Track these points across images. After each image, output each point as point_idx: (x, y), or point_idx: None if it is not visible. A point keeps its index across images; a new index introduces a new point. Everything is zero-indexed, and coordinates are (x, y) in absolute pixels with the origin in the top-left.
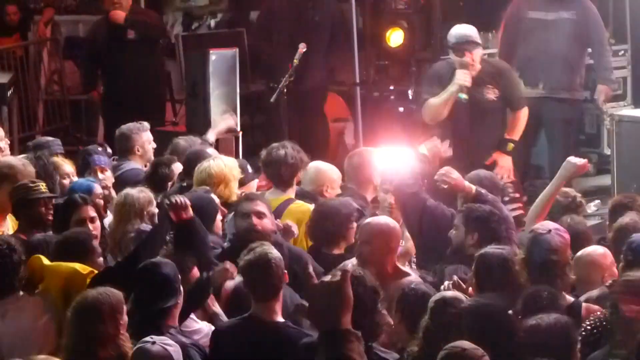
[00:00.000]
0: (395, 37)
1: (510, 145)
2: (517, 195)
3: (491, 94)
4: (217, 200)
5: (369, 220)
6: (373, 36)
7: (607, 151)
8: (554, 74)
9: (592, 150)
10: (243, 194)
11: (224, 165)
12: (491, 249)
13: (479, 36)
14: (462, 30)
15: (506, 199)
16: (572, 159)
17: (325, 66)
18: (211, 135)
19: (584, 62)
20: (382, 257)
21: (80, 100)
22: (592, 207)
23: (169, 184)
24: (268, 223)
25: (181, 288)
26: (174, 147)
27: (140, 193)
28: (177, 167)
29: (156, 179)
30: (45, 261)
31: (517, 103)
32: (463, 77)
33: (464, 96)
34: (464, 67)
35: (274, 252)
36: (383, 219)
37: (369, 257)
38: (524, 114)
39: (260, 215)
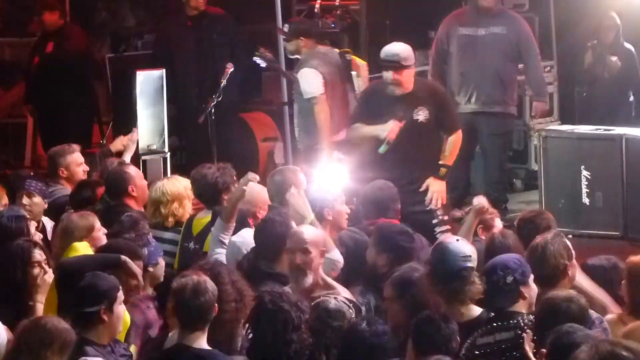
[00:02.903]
0: None
1: (443, 171)
2: (446, 217)
3: (422, 115)
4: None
5: (299, 228)
6: None
7: (535, 167)
8: (486, 88)
9: (520, 166)
10: None
11: (179, 184)
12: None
13: (413, 56)
14: (393, 48)
15: (435, 221)
16: (480, 199)
17: (248, 86)
18: (127, 157)
19: (515, 77)
20: (316, 265)
21: (7, 123)
22: None
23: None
24: None
25: (118, 309)
26: (104, 167)
27: (81, 219)
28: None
29: (79, 200)
30: None
31: (450, 127)
32: (392, 130)
33: (383, 148)
34: (387, 83)
35: (208, 281)
36: (313, 228)
37: (307, 266)
38: (457, 138)
39: None
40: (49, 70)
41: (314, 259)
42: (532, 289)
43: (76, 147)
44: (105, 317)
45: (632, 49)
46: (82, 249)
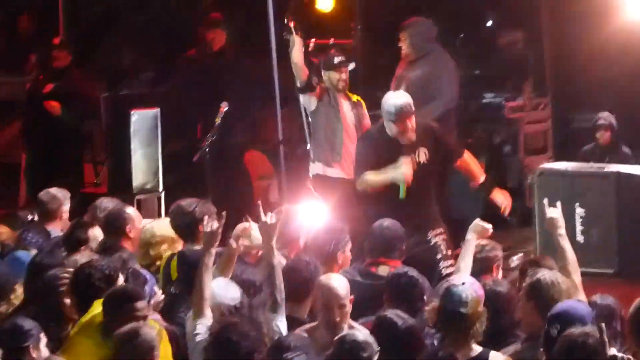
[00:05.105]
0: None
1: (484, 186)
2: (450, 252)
3: (422, 156)
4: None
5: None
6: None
7: (529, 204)
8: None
9: (515, 203)
10: None
11: (167, 225)
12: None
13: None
14: (400, 99)
15: (439, 256)
16: (479, 221)
17: (245, 124)
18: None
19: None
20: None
21: (1, 163)
22: (514, 260)
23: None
24: None
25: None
26: (97, 207)
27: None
28: (95, 231)
29: (73, 241)
30: None
31: (455, 156)
32: (407, 172)
33: (402, 193)
34: (403, 132)
35: (150, 332)
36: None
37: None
38: (467, 158)
39: None
40: (45, 111)
41: (349, 311)
42: None
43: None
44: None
45: (630, 153)
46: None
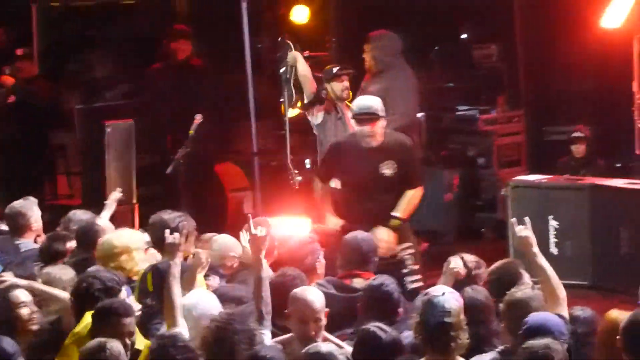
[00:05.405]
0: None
1: (395, 222)
2: (417, 267)
3: (389, 169)
4: None
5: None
6: (271, 106)
7: (503, 217)
8: None
9: (489, 215)
10: None
11: (126, 236)
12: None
13: (382, 108)
14: (366, 101)
15: (405, 270)
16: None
17: (218, 136)
18: (104, 215)
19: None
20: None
21: None
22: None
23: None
24: None
25: None
26: (69, 219)
27: (64, 272)
28: (73, 244)
29: (50, 254)
30: None
31: (411, 182)
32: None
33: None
34: (364, 136)
35: (116, 346)
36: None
37: (318, 333)
38: (416, 193)
39: None
40: (10, 122)
41: (323, 324)
42: None
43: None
44: None
45: (604, 164)
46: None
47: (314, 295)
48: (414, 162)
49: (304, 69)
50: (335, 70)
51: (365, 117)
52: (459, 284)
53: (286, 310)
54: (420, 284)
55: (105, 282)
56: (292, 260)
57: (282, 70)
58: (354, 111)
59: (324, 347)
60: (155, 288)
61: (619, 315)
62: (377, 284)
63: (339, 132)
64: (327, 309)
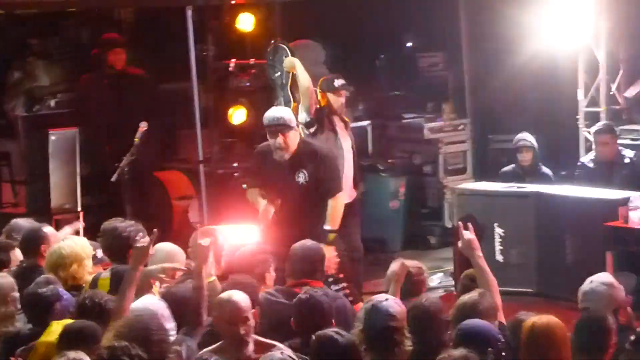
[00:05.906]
0: (237, 115)
1: (331, 236)
2: (341, 275)
3: (301, 177)
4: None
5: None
6: (216, 114)
7: (449, 224)
8: None
9: (435, 223)
10: None
11: (75, 244)
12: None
13: (293, 118)
14: (276, 112)
15: (330, 279)
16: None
17: (163, 144)
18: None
19: None
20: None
21: None
22: (435, 279)
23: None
24: None
25: None
26: (12, 227)
27: (3, 279)
28: (17, 253)
29: None
30: None
31: (330, 190)
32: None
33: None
34: (276, 148)
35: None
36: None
37: (248, 335)
38: (339, 201)
39: None
40: None
41: (252, 324)
42: None
43: None
44: None
45: (550, 173)
46: None
47: (238, 296)
48: (326, 169)
49: (304, 78)
50: (337, 84)
51: (276, 128)
52: (405, 293)
53: (210, 317)
54: (346, 291)
55: (94, 299)
56: (241, 269)
57: (276, 75)
58: (264, 123)
59: (277, 355)
60: (113, 292)
61: (523, 316)
62: (305, 297)
63: (330, 145)
64: (254, 310)
